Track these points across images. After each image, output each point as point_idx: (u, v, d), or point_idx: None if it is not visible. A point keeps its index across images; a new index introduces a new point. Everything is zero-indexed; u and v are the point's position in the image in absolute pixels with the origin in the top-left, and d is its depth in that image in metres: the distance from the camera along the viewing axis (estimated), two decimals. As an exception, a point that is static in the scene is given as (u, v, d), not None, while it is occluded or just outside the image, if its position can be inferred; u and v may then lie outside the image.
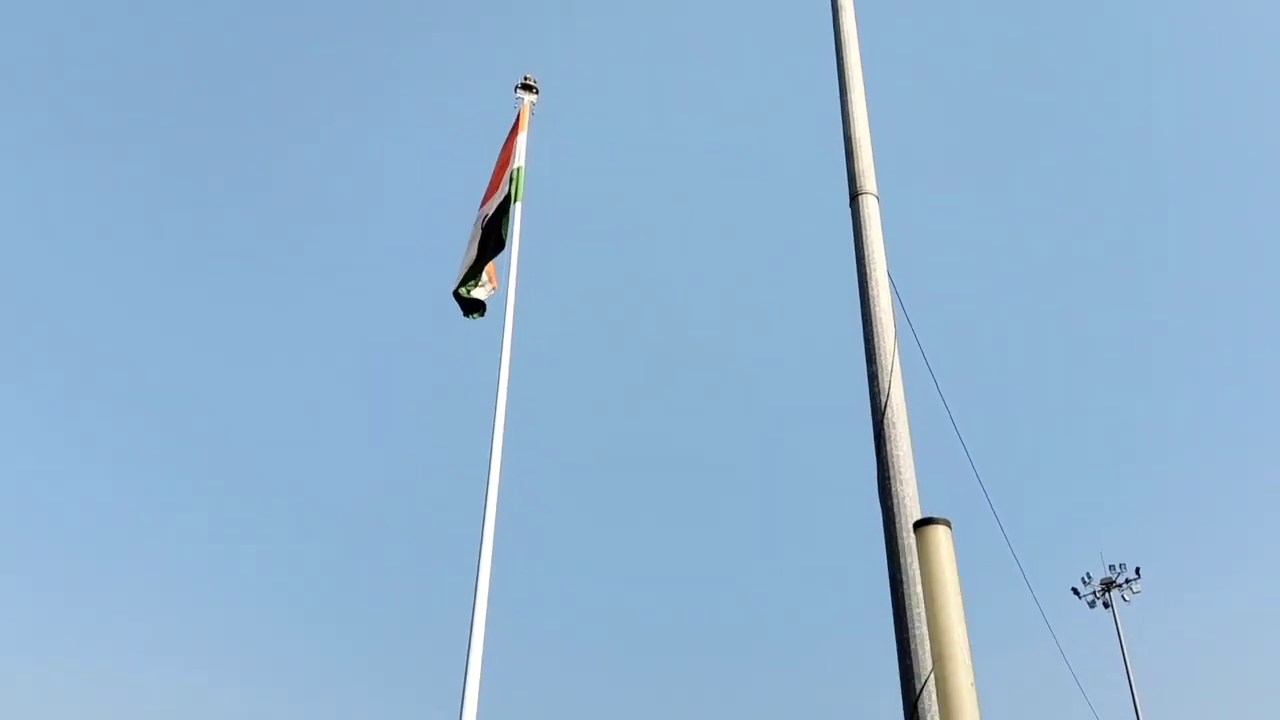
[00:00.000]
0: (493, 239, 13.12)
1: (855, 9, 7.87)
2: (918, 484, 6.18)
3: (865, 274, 6.54)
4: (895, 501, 6.10)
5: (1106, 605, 36.92)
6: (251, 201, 79.79)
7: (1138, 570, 36.51)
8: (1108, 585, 36.66)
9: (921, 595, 6.01)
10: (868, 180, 6.77)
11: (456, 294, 13.61)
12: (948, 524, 5.56)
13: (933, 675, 5.77)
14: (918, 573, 6.02)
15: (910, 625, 5.90)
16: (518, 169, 13.63)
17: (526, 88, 14.75)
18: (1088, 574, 37.21)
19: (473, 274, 13.51)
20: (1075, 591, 37.12)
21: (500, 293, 12.85)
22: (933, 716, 5.68)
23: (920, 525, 5.59)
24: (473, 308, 13.54)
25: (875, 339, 6.35)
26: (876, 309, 6.42)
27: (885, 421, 6.18)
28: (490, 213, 13.36)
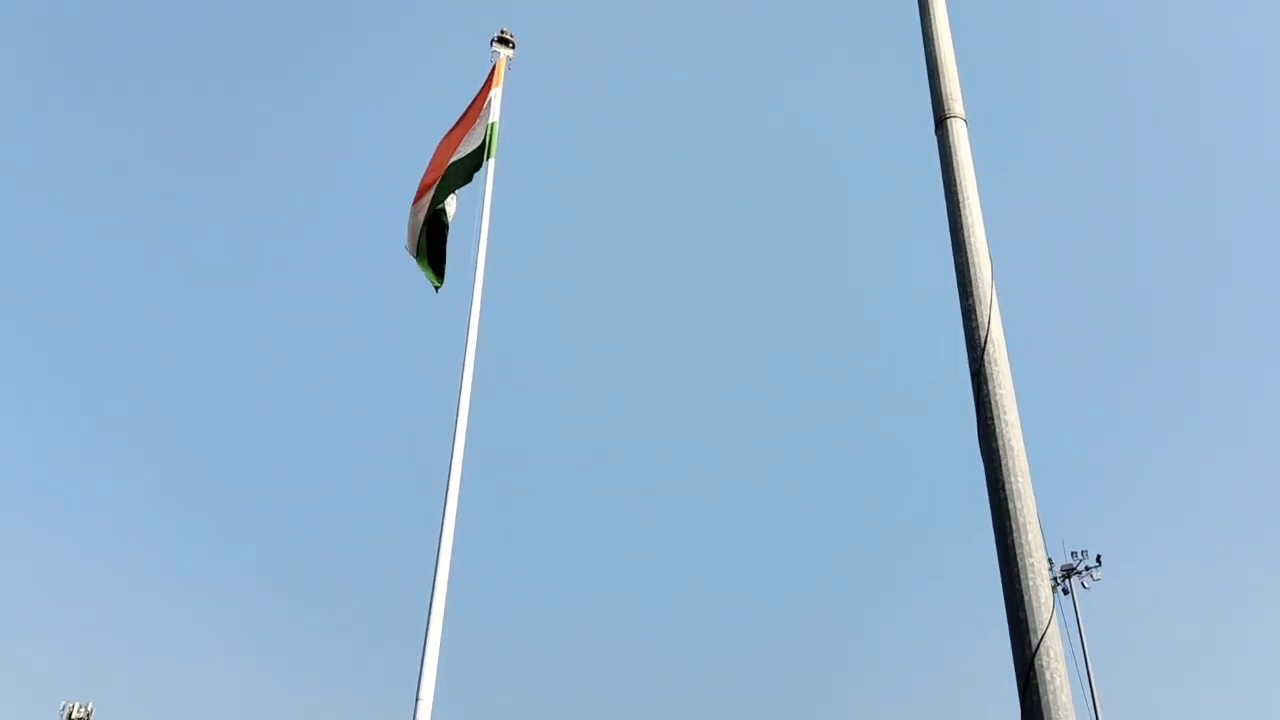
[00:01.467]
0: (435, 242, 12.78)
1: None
2: (1022, 425, 5.72)
3: (957, 202, 6.09)
4: (1000, 444, 5.62)
5: (1066, 592, 37.24)
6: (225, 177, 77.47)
7: (1098, 558, 36.84)
8: (1069, 572, 36.94)
9: (1033, 544, 5.54)
10: (955, 103, 6.33)
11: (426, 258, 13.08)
12: None
13: (1049, 629, 5.31)
14: (1028, 520, 5.55)
15: (1023, 576, 5.42)
16: (493, 124, 12.99)
17: (503, 41, 14.00)
18: (1049, 560, 37.45)
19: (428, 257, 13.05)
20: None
21: (469, 255, 12.17)
22: (1051, 673, 5.20)
23: None
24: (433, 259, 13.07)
25: (971, 270, 5.90)
26: (971, 238, 5.97)
27: (986, 358, 5.71)
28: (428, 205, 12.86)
